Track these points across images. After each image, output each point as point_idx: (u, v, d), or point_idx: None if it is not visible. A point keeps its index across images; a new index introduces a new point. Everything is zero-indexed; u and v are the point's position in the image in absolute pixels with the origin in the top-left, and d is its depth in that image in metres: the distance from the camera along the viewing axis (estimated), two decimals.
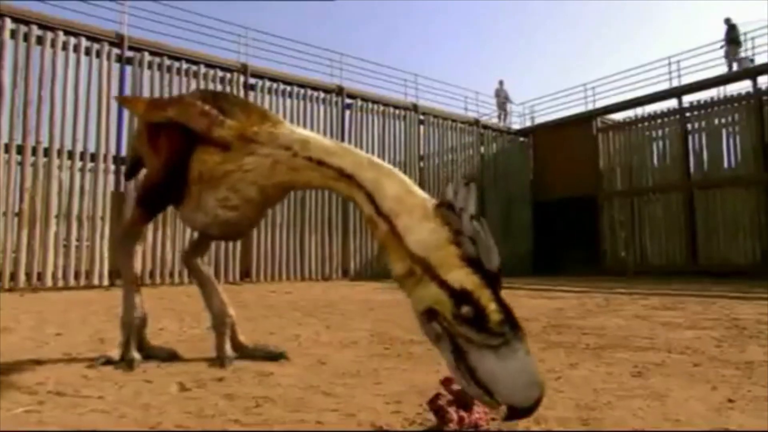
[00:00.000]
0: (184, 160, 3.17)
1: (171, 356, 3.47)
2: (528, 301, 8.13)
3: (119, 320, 3.47)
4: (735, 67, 19.87)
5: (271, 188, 2.95)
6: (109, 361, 3.24)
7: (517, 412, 1.78)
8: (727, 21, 20.38)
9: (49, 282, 12.02)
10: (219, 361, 3.34)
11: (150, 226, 13.43)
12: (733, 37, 20.15)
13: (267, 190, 2.96)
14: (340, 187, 2.50)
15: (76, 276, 12.45)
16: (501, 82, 25.42)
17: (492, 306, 1.84)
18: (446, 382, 2.07)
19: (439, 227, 2.00)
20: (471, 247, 1.94)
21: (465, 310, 1.85)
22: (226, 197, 3.02)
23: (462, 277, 1.89)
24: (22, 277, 11.70)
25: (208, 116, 3.08)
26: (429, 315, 1.95)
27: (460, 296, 1.87)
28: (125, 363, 3.21)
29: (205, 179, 3.08)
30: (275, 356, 3.51)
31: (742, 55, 20.06)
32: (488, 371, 1.82)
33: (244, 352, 3.56)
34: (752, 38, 19.54)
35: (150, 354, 3.44)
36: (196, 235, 3.83)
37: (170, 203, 3.50)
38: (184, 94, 4.00)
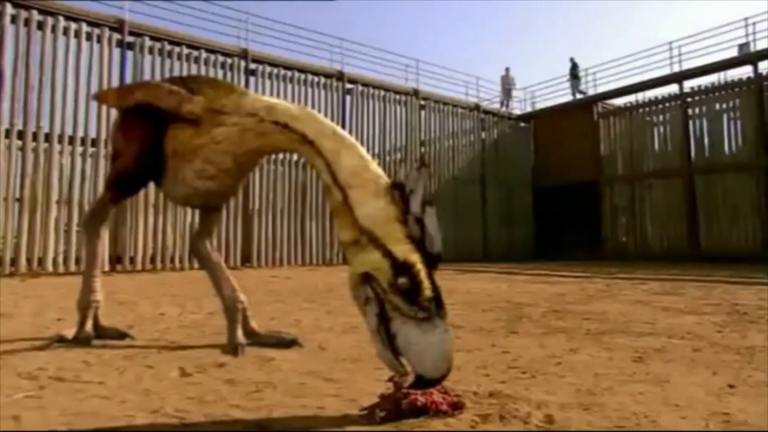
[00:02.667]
0: (157, 141, 3.27)
1: (122, 336, 3.57)
2: (528, 286, 8.14)
3: (76, 302, 3.57)
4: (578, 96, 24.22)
5: (243, 156, 3.06)
6: (62, 340, 3.37)
7: (424, 382, 1.96)
8: (571, 59, 24.83)
9: (50, 267, 12.04)
10: (231, 347, 3.24)
11: (150, 213, 13.45)
12: (574, 74, 24.52)
13: (240, 158, 3.06)
14: (304, 151, 2.63)
15: (77, 261, 12.47)
16: (507, 69, 25.46)
17: (426, 283, 1.99)
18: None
19: (388, 205, 2.13)
20: (416, 228, 2.07)
21: (402, 281, 1.99)
22: (202, 169, 3.11)
23: (406, 250, 2.03)
24: (23, 262, 11.72)
25: (176, 94, 3.18)
26: (364, 278, 2.09)
27: (401, 267, 2.00)
28: (81, 340, 3.37)
29: (179, 154, 3.18)
30: (287, 343, 3.44)
31: (582, 87, 24.52)
32: (407, 339, 1.99)
33: (256, 339, 3.49)
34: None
35: (102, 334, 3.54)
36: (197, 219, 3.88)
37: (141, 186, 3.71)
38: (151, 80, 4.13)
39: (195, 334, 3.86)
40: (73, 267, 12.35)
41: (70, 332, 3.44)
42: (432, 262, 2.05)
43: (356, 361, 2.93)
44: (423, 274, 2.00)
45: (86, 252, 3.76)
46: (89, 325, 3.50)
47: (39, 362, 2.84)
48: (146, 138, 3.32)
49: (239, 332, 3.38)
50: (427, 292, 1.98)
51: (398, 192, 2.14)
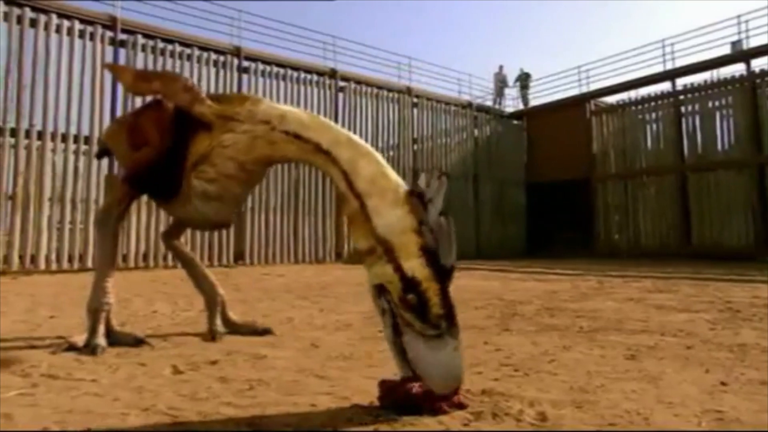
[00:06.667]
0: (181, 144, 3.16)
1: (137, 342, 3.35)
2: (521, 284, 8.15)
3: (86, 305, 3.38)
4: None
5: (250, 163, 3.00)
6: (72, 347, 3.15)
7: (433, 396, 2.00)
8: (521, 70, 26.18)
9: (42, 265, 12.00)
10: (210, 334, 3.57)
11: (144, 210, 13.42)
12: (524, 84, 25.72)
13: (246, 165, 3.01)
14: (317, 161, 2.59)
15: (70, 259, 12.43)
16: (501, 67, 25.56)
17: (435, 300, 2.01)
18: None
19: (406, 214, 2.14)
20: (432, 239, 2.08)
21: (410, 297, 2.03)
22: (203, 170, 3.07)
23: (416, 266, 2.05)
24: (15, 260, 11.67)
25: (190, 91, 3.14)
26: (380, 290, 2.15)
27: (410, 284, 2.03)
28: (89, 349, 3.12)
29: (195, 163, 3.11)
30: (261, 332, 3.75)
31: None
32: (417, 355, 2.03)
33: (232, 328, 3.77)
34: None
35: (116, 340, 3.34)
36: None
37: (159, 183, 3.43)
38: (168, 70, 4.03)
39: (188, 331, 3.86)
40: (65, 265, 12.31)
41: (80, 339, 3.23)
42: (444, 274, 2.06)
43: (349, 359, 2.93)
44: (432, 291, 2.02)
45: (99, 252, 3.64)
46: (101, 331, 3.29)
47: (32, 360, 2.83)
48: (173, 133, 3.22)
49: (218, 321, 3.71)
50: (436, 309, 2.01)
51: (417, 200, 2.14)
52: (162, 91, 3.28)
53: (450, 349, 2.00)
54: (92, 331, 3.26)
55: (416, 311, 2.02)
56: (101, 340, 3.22)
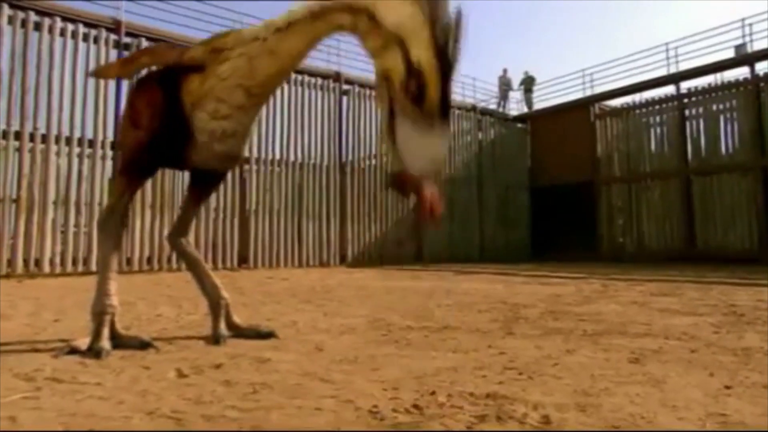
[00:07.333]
0: (172, 105, 3.16)
1: (144, 345, 3.27)
2: (525, 288, 8.14)
3: (90, 308, 3.34)
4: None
5: (256, 87, 3.02)
6: (74, 351, 3.09)
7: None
8: (526, 73, 26.15)
9: (46, 268, 12.03)
10: (214, 339, 3.53)
11: (148, 213, 13.45)
12: (528, 88, 25.80)
13: (253, 90, 3.03)
14: (324, 22, 2.67)
15: (74, 262, 12.46)
16: (505, 70, 25.73)
17: (434, 93, 2.14)
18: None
19: (417, 12, 2.21)
20: (442, 35, 2.18)
21: (411, 83, 2.15)
22: (215, 109, 3.05)
23: (423, 56, 2.15)
24: (19, 263, 11.71)
25: (174, 47, 3.26)
26: (383, 79, 2.29)
27: (414, 72, 2.15)
28: (93, 353, 3.05)
29: (196, 106, 3.10)
30: (265, 335, 3.70)
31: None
32: (404, 136, 2.18)
33: (237, 332, 3.72)
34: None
35: (121, 344, 3.27)
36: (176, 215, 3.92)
37: (158, 163, 3.52)
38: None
39: (192, 334, 3.86)
40: (69, 268, 12.34)
41: (83, 342, 3.17)
42: (448, 68, 2.17)
43: (353, 363, 2.92)
44: (434, 82, 2.13)
45: (101, 254, 3.56)
46: (105, 335, 3.21)
47: (36, 363, 2.83)
48: (158, 102, 3.21)
49: (222, 325, 3.67)
50: (433, 101, 2.13)
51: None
52: (151, 61, 3.33)
53: (436, 136, 2.14)
54: (96, 335, 3.20)
55: (414, 99, 2.14)
56: (105, 343, 3.16)
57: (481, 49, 79.22)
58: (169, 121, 3.19)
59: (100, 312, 3.28)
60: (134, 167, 3.48)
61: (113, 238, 3.49)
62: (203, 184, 3.85)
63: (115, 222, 3.48)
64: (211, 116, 3.06)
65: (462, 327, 4.23)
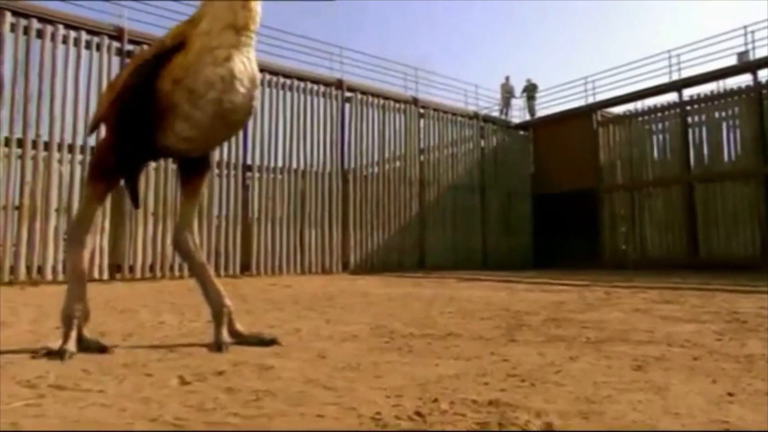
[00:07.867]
0: (139, 98, 3.21)
1: (101, 349, 3.38)
2: (528, 295, 8.13)
3: (60, 312, 3.48)
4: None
5: (241, 21, 3.16)
6: (50, 352, 3.22)
7: None
8: (528, 80, 26.30)
9: (49, 275, 12.04)
10: (216, 346, 3.52)
11: (150, 221, 13.46)
12: (531, 95, 25.89)
13: (238, 24, 3.16)
14: None
15: None
16: (507, 78, 25.76)
17: None
18: None
19: None
20: None
21: None
22: (214, 57, 3.11)
23: None
24: (22, 270, 11.72)
25: (151, 44, 3.41)
26: None
27: None
28: (60, 354, 3.18)
29: (180, 78, 3.12)
30: (268, 342, 3.69)
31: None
32: None
33: (239, 339, 3.74)
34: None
35: (85, 346, 3.39)
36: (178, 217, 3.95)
37: (127, 163, 3.63)
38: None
39: (195, 342, 3.86)
40: None
41: (55, 344, 3.32)
42: None
43: (355, 370, 2.92)
44: None
45: (69, 261, 3.70)
46: (73, 338, 3.35)
47: (38, 370, 2.83)
48: (124, 95, 3.25)
49: (224, 332, 3.68)
50: None
51: None
52: (137, 61, 3.34)
53: None
54: (65, 338, 3.34)
55: None
56: (71, 345, 3.29)
57: (483, 57, 79.30)
58: (129, 115, 3.30)
59: (68, 316, 3.43)
60: (99, 170, 3.55)
61: (82, 246, 3.57)
62: (188, 172, 3.88)
63: (84, 230, 3.59)
64: (214, 65, 3.10)
65: (464, 334, 4.23)
